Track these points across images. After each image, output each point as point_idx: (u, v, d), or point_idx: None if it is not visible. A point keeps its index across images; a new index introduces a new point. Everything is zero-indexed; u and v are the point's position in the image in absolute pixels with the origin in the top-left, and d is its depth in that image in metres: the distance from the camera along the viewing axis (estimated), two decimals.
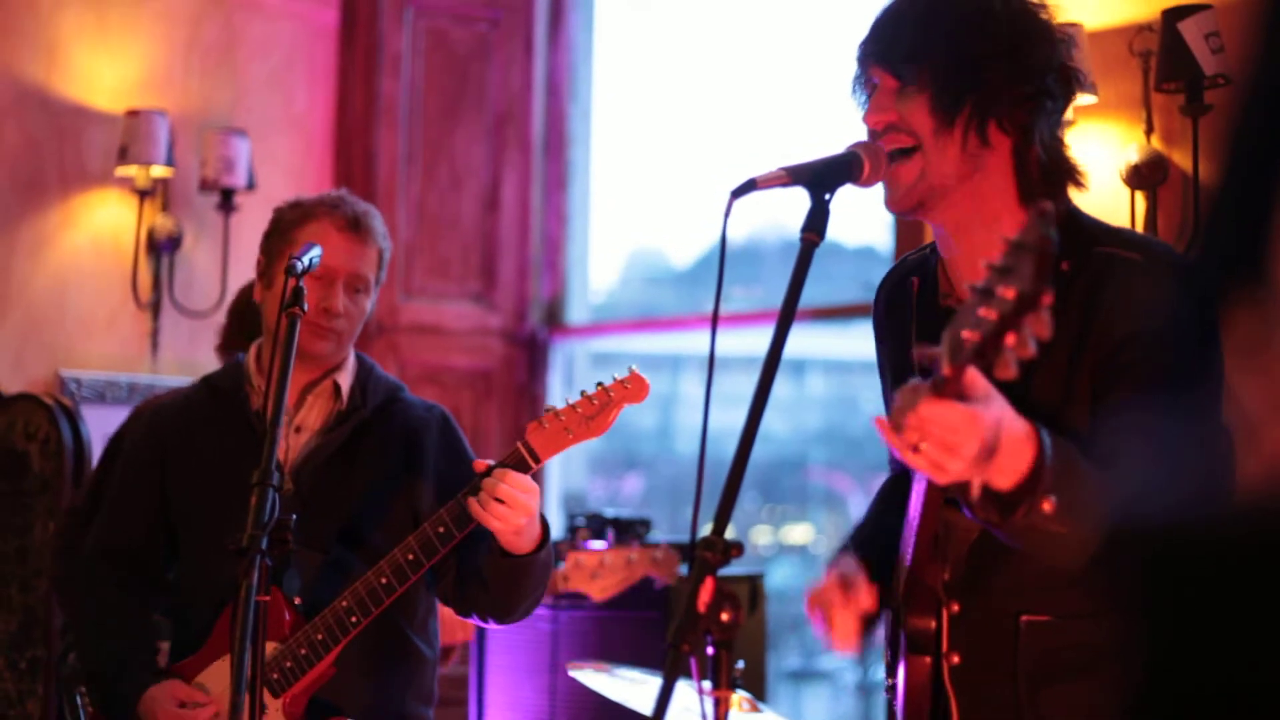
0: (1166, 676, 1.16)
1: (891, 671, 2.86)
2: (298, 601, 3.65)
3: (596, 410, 3.48)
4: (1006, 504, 2.35)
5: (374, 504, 3.76)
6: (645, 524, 5.63)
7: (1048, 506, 2.32)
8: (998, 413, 2.23)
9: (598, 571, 4.48)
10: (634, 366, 3.49)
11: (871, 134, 2.73)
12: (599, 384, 3.50)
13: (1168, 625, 1.16)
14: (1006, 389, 2.30)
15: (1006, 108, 2.67)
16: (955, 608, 2.70)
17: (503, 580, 3.63)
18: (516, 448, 3.51)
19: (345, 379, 3.85)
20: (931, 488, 2.60)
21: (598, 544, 5.18)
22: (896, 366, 2.95)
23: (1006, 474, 2.30)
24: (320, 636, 3.58)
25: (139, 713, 3.67)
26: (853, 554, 2.93)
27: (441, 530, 3.51)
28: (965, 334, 2.02)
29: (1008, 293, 1.96)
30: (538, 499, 3.50)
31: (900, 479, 3.18)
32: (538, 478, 3.55)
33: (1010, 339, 1.98)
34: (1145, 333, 2.57)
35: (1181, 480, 1.14)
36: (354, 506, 3.76)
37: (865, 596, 2.80)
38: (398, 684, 3.78)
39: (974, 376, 2.15)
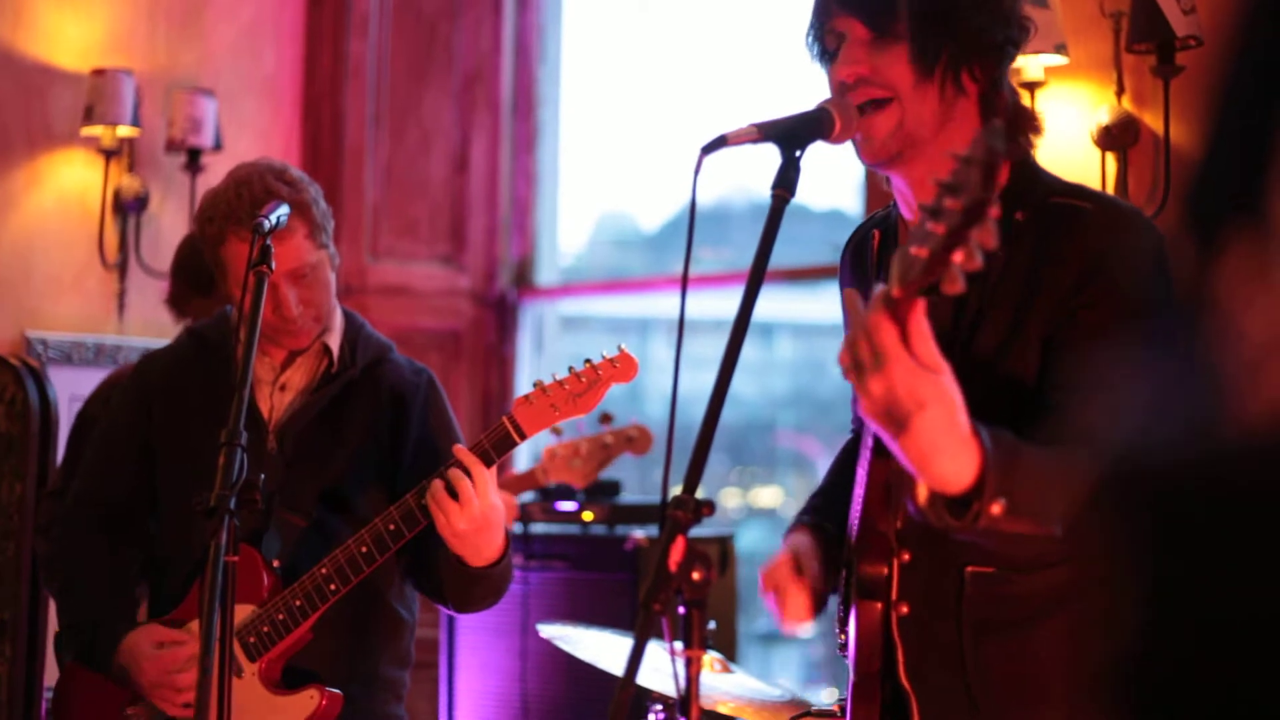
0: (1155, 628, 1.15)
1: (844, 627, 2.87)
2: (276, 564, 3.63)
3: (585, 388, 3.45)
4: (957, 508, 2.31)
5: (358, 467, 3.73)
6: (615, 485, 5.62)
7: (997, 510, 2.28)
8: (929, 390, 2.14)
9: (574, 460, 4.44)
10: (623, 345, 3.45)
11: (841, 86, 2.70)
12: (588, 361, 3.47)
13: (1158, 571, 1.15)
14: (949, 336, 2.29)
15: (978, 56, 2.68)
16: (906, 557, 2.70)
17: (455, 582, 3.61)
18: (502, 422, 3.49)
19: (334, 339, 3.81)
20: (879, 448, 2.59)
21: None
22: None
23: (950, 481, 2.25)
24: (298, 603, 3.55)
25: (120, 663, 3.65)
26: (809, 527, 2.95)
27: (425, 502, 3.47)
28: (914, 250, 2.01)
29: (955, 205, 1.96)
30: (496, 514, 3.46)
31: (856, 443, 3.19)
32: (511, 456, 3.53)
33: (958, 254, 1.98)
34: (1103, 273, 2.58)
35: (1163, 417, 1.13)
36: (338, 468, 3.72)
37: (817, 576, 2.82)
38: (373, 647, 3.76)
39: (922, 329, 2.11)
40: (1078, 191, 2.73)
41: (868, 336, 2.11)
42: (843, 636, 2.88)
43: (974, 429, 2.24)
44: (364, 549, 3.50)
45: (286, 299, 3.65)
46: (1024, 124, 2.76)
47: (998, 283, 2.63)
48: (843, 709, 2.92)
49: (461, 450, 3.47)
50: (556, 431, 4.65)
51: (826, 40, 2.75)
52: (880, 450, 2.60)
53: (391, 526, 3.49)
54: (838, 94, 2.70)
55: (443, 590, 3.67)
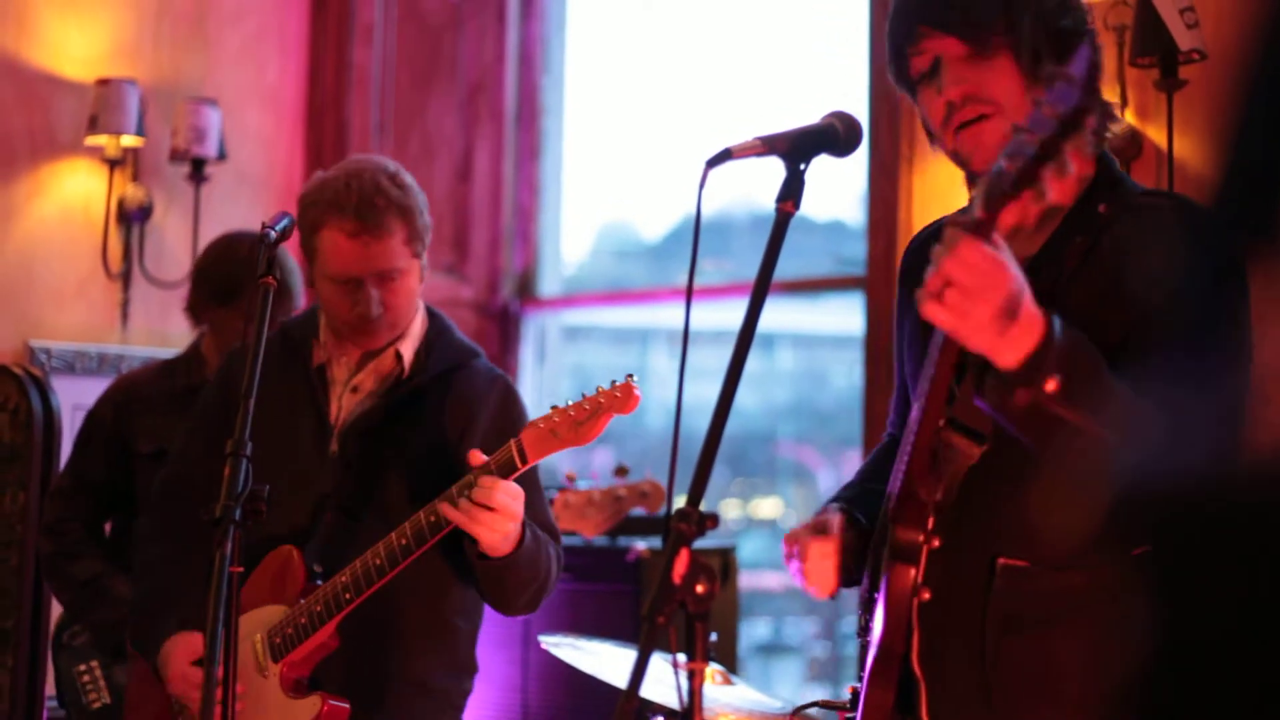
0: (1172, 642, 1.15)
1: (868, 609, 2.84)
2: (318, 569, 3.65)
3: (586, 416, 3.40)
4: (1010, 383, 2.37)
5: (417, 474, 3.71)
6: (623, 468, 5.61)
7: (1052, 385, 2.34)
8: (1021, 275, 2.29)
9: (586, 510, 4.45)
10: (632, 376, 3.40)
11: (949, 106, 2.71)
12: (599, 388, 3.45)
13: (1170, 585, 1.16)
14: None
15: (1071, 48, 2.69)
16: (935, 543, 2.67)
17: (488, 581, 3.62)
18: (509, 445, 3.46)
19: (408, 346, 3.81)
20: (937, 388, 2.55)
21: (585, 484, 5.16)
22: (919, 314, 2.94)
23: (1015, 348, 2.33)
24: (319, 608, 3.57)
25: (158, 659, 3.68)
26: (841, 510, 2.93)
27: (433, 519, 3.47)
28: (1005, 164, 2.04)
29: (1052, 113, 1.97)
30: (523, 503, 3.47)
31: (893, 445, 3.18)
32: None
33: (1049, 169, 2.00)
34: (1167, 283, 2.57)
35: (1195, 439, 1.14)
36: (396, 475, 3.72)
37: (847, 548, 2.81)
38: (423, 655, 3.75)
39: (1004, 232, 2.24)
40: (1164, 195, 2.74)
41: (965, 263, 2.23)
42: (864, 619, 2.86)
43: (1042, 309, 2.35)
44: (378, 561, 3.51)
45: (369, 297, 3.68)
46: (1105, 110, 2.77)
47: (1076, 270, 2.63)
48: (855, 697, 2.91)
49: (477, 456, 3.46)
50: (570, 478, 4.69)
51: (916, 62, 2.75)
52: (933, 407, 2.56)
53: (404, 541, 3.49)
54: (944, 115, 2.71)
55: (481, 590, 3.69)
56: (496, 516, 3.41)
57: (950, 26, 2.70)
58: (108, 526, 4.75)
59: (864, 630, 2.86)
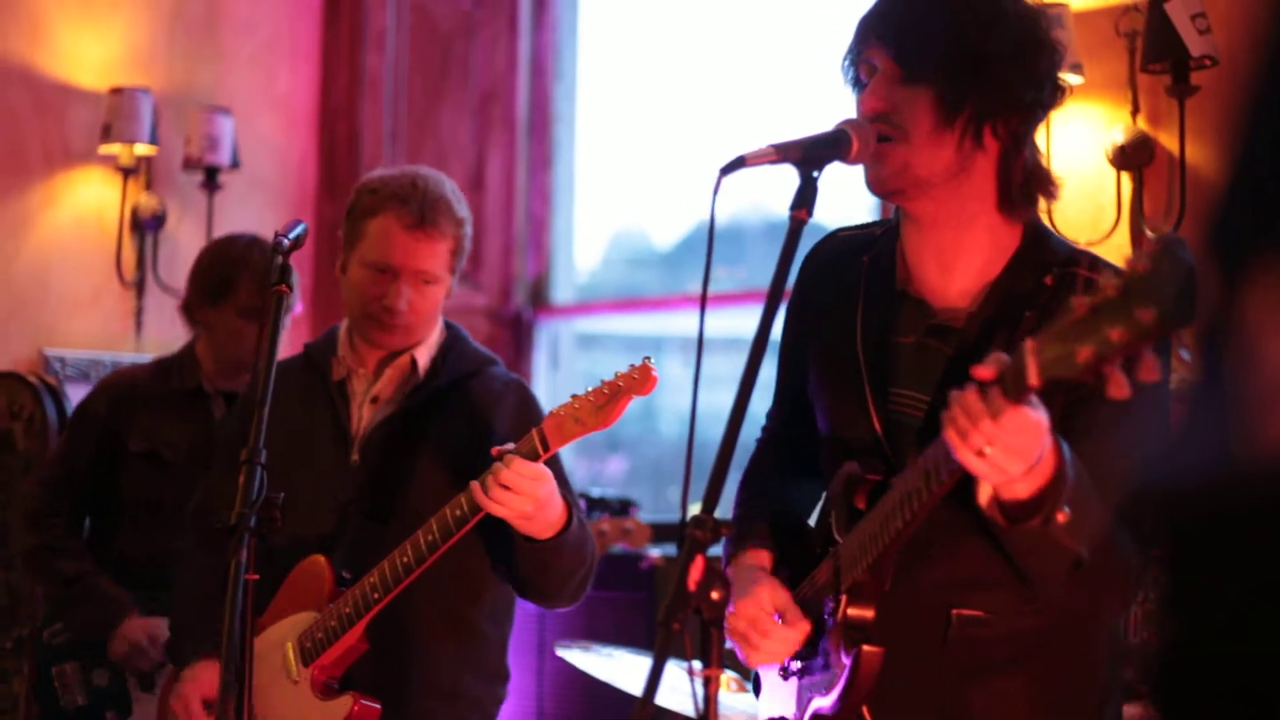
0: (1170, 640, 1.16)
1: (804, 654, 2.83)
2: (346, 575, 3.68)
3: (606, 399, 3.43)
4: (1022, 512, 2.38)
5: (438, 478, 3.74)
6: (630, 504, 5.63)
7: (1062, 518, 2.36)
8: (1043, 425, 2.29)
9: None
10: (649, 358, 3.42)
11: (864, 116, 2.71)
12: (618, 372, 3.47)
13: (1173, 587, 1.16)
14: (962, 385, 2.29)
15: (1003, 113, 2.67)
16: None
17: (530, 566, 3.63)
18: (530, 434, 3.47)
19: (424, 354, 3.88)
20: (932, 503, 2.50)
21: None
22: (832, 344, 2.89)
23: (1030, 483, 2.34)
24: (348, 610, 3.60)
25: (180, 678, 3.71)
26: (768, 550, 2.93)
27: (459, 513, 3.49)
28: (1083, 351, 1.97)
29: (1148, 317, 1.89)
30: (546, 485, 3.45)
31: (773, 449, 3.17)
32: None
33: (1120, 366, 1.94)
34: None
35: (1183, 445, 1.14)
36: (417, 479, 3.76)
37: (800, 624, 2.79)
38: (450, 662, 3.78)
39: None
40: (1095, 264, 2.70)
41: (1010, 431, 2.22)
42: (797, 663, 2.85)
43: (1055, 436, 2.34)
44: (405, 559, 3.54)
45: (400, 292, 3.76)
46: (1041, 187, 2.75)
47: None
48: None
49: (498, 450, 3.47)
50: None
51: (860, 69, 2.74)
52: (931, 508, 2.52)
53: (430, 537, 3.52)
54: (861, 120, 2.70)
55: (522, 579, 3.71)
56: (514, 496, 3.41)
57: (889, 43, 2.69)
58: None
59: (786, 671, 2.86)
